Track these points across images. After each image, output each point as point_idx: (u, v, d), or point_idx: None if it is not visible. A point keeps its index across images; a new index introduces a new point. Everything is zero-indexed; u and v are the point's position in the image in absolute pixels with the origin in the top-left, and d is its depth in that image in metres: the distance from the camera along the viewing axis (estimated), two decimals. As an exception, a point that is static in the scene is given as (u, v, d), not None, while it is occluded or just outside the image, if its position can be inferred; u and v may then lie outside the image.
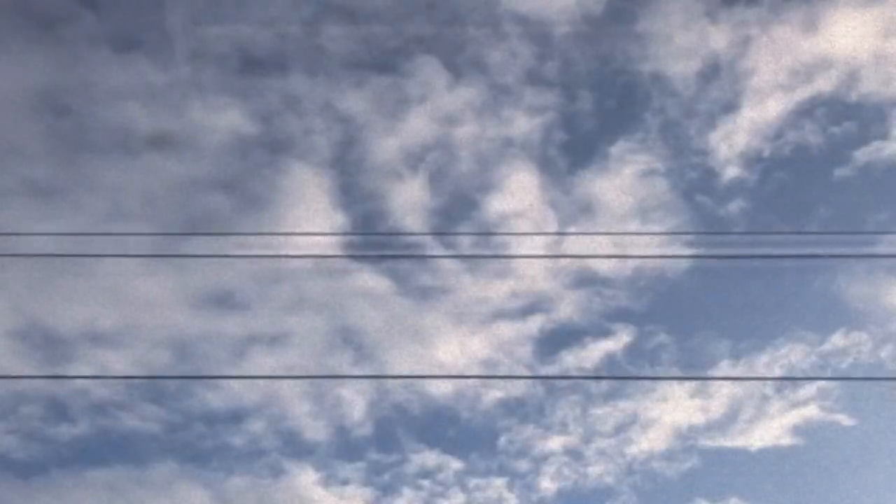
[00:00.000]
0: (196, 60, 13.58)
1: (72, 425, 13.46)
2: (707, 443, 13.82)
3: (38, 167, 13.34)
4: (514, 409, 13.96)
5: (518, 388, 14.03)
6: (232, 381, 13.40)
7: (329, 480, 13.68)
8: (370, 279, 13.61)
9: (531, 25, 13.94)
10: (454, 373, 13.73)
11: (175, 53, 13.50)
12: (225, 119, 13.63)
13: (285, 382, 13.52)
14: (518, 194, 14.10)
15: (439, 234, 13.67)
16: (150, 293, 12.86)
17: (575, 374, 14.00)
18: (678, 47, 13.98)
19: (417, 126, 14.06)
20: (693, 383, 13.94)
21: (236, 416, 13.71)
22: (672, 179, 14.13)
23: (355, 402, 13.87)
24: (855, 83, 13.91)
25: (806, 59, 13.90)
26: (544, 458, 13.83)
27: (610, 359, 13.95)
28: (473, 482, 13.72)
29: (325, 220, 13.65)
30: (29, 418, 13.38)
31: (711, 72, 13.98)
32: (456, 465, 13.78)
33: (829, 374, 13.81)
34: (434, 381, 13.85)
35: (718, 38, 13.98)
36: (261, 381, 13.42)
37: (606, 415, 13.95)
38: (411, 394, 13.87)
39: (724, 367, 13.87)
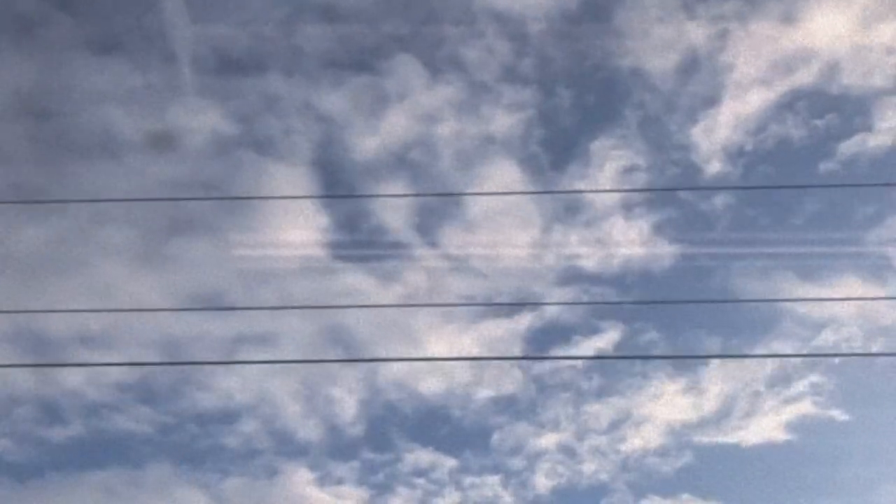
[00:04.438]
0: (175, 62, 13.46)
1: (66, 427, 13.34)
2: (701, 439, 13.81)
3: (20, 170, 13.19)
4: (507, 406, 13.88)
5: (510, 386, 13.96)
6: (225, 382, 13.33)
7: (323, 480, 13.60)
8: (355, 278, 13.53)
9: (508, 23, 13.88)
10: (445, 371, 13.69)
11: (154, 56, 13.39)
12: (205, 120, 13.51)
13: (278, 383, 13.44)
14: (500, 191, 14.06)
15: (425, 231, 13.60)
16: (139, 294, 12.74)
17: (566, 370, 13.97)
18: (656, 42, 13.93)
19: (397, 124, 13.98)
20: (686, 380, 13.94)
21: (230, 417, 13.63)
22: (654, 175, 14.09)
23: (348, 401, 13.78)
24: (836, 75, 13.90)
25: (786, 52, 13.88)
26: (538, 455, 13.76)
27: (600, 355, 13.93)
28: (468, 480, 13.63)
29: (307, 219, 13.53)
30: (23, 421, 13.27)
31: (691, 66, 13.94)
32: (450, 463, 13.71)
33: (821, 370, 13.85)
34: (427, 380, 13.79)
35: (697, 33, 13.93)
36: (254, 382, 13.34)
37: (599, 412, 13.90)
38: (403, 393, 13.78)
39: (715, 363, 13.88)
